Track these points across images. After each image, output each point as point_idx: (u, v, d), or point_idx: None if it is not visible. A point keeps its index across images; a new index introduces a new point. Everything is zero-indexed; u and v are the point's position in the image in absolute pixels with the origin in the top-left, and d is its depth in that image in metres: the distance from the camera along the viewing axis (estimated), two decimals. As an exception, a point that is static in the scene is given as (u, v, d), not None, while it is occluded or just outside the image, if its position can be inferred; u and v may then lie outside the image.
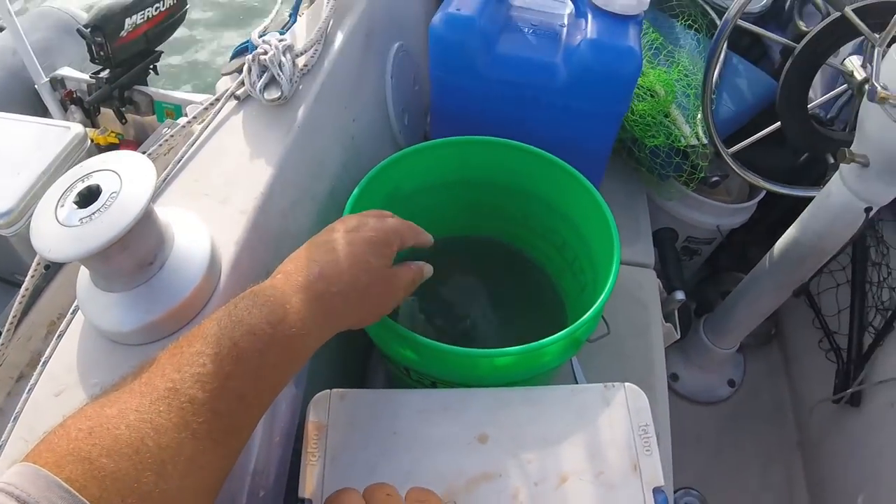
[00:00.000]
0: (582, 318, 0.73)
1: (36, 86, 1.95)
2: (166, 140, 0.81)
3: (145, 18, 1.89)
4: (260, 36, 0.89)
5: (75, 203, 0.55)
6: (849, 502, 1.56)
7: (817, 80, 1.67)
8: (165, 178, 0.75)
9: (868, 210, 1.13)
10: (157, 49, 2.05)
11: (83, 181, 0.57)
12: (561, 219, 0.94)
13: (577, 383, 0.98)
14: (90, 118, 2.01)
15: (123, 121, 2.01)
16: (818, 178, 1.51)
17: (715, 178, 1.47)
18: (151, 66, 2.07)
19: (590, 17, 1.02)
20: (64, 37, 2.15)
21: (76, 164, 1.23)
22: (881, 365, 1.54)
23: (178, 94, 2.05)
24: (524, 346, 0.69)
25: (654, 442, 0.69)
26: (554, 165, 0.90)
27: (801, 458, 1.84)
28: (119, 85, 1.94)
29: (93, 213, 0.54)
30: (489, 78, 1.01)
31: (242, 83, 0.84)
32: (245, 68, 0.84)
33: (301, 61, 0.88)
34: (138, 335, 0.60)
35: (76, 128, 1.41)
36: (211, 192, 0.73)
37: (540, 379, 0.79)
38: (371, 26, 1.07)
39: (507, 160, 0.93)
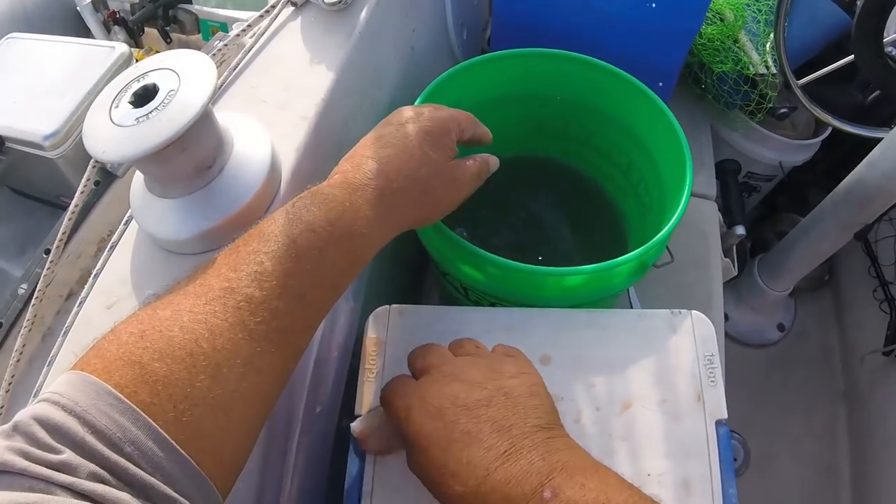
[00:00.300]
0: (653, 240, 0.69)
1: (78, 7, 1.88)
2: (219, 50, 0.78)
3: None
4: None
5: (131, 103, 0.53)
6: (891, 455, 1.55)
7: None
8: (221, 86, 0.73)
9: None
10: None
11: (139, 81, 0.54)
12: (629, 138, 0.90)
13: (630, 306, 0.97)
14: (134, 38, 1.96)
15: (168, 40, 1.97)
16: (888, 118, 1.45)
17: (783, 110, 1.41)
18: None
19: None
20: (114, -48, 2.10)
21: None
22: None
23: (224, 12, 2.01)
24: (595, 265, 0.67)
25: (720, 373, 0.67)
26: (624, 81, 0.85)
27: (845, 408, 1.82)
28: (163, 3, 1.87)
29: (150, 112, 0.51)
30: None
31: (300, -12, 0.81)
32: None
33: (362, -33, 0.84)
34: (196, 243, 0.58)
35: (121, 47, 1.36)
36: (269, 99, 0.70)
37: (600, 305, 0.77)
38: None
39: (573, 74, 0.89)
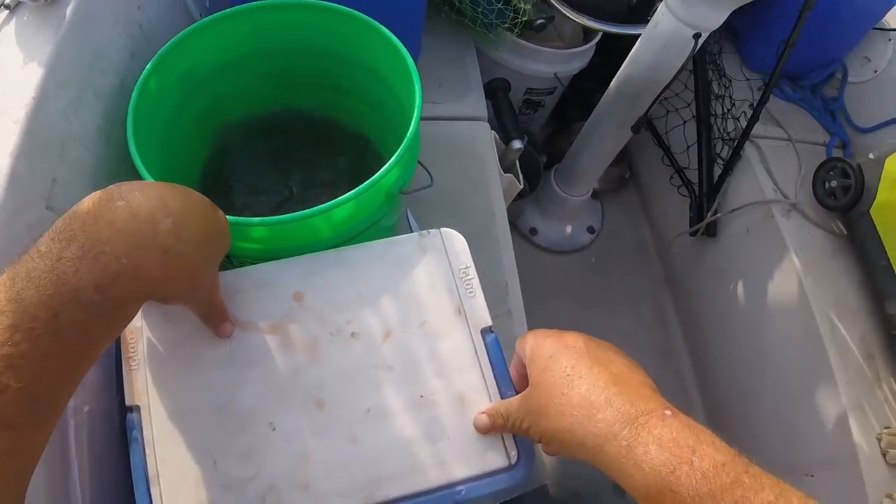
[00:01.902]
0: (385, 167, 0.72)
1: None
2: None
3: None
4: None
5: None
6: (718, 326, 1.70)
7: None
8: (-64, 101, 0.71)
9: (697, 36, 1.16)
10: None
11: None
12: (371, 76, 0.92)
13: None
14: None
15: None
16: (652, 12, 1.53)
17: (539, 21, 1.46)
18: None
19: None
20: None
21: None
22: (733, 194, 1.65)
23: None
24: (322, 205, 0.68)
25: (477, 283, 0.72)
26: (349, 17, 0.86)
27: (669, 293, 1.97)
28: None
29: None
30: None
31: (8, -9, 0.80)
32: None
33: (66, -45, 0.83)
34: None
35: None
36: None
37: (352, 235, 0.79)
38: None
39: (305, 22, 0.89)
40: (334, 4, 0.87)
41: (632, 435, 0.48)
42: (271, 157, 1.03)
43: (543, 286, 1.84)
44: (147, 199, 0.48)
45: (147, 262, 0.47)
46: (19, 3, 0.80)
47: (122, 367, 0.64)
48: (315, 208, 0.68)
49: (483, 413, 0.64)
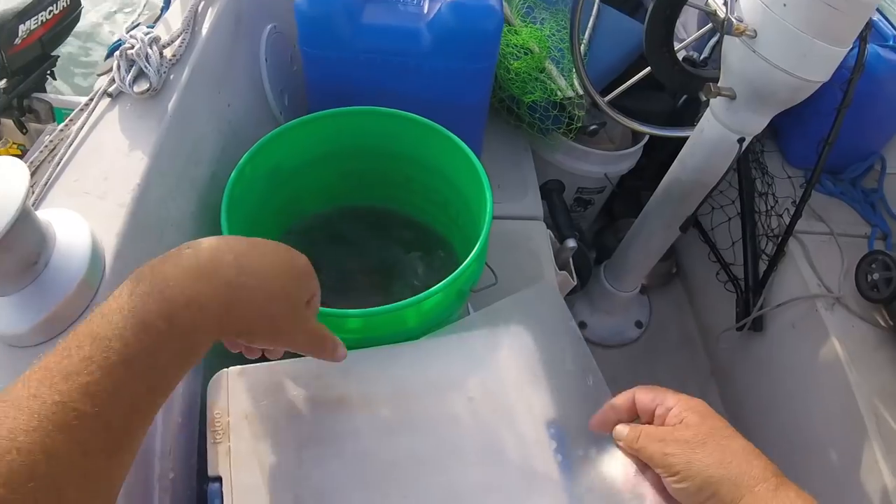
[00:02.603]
0: (458, 269, 0.77)
1: None
2: (46, 146, 0.84)
3: (39, 23, 1.82)
4: (128, 30, 0.92)
5: None
6: (763, 417, 1.69)
7: (692, 21, 1.77)
8: (47, 182, 0.78)
9: (741, 141, 1.21)
10: (53, 54, 1.98)
11: None
12: (438, 177, 1.00)
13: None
14: None
15: (24, 131, 1.95)
16: (697, 118, 1.58)
17: (592, 127, 1.55)
18: (49, 72, 2.01)
19: None
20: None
21: None
22: (777, 289, 1.65)
23: (79, 99, 2.01)
24: (413, 298, 0.74)
25: (541, 375, 0.75)
26: (420, 125, 0.94)
27: (715, 385, 1.95)
28: (17, 94, 1.87)
29: None
30: (356, 49, 1.06)
31: (114, 80, 0.87)
32: (115, 65, 0.87)
33: (169, 52, 0.91)
34: (33, 335, 0.64)
35: None
36: (91, 189, 0.76)
37: (431, 327, 0.82)
38: (240, 10, 1.10)
39: (380, 127, 0.98)
40: (408, 113, 0.95)
41: (779, 482, 0.58)
42: (344, 247, 1.08)
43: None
44: (210, 242, 0.53)
45: (210, 293, 0.50)
46: (121, 92, 0.87)
47: (207, 437, 0.67)
48: (407, 300, 0.73)
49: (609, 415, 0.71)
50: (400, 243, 1.10)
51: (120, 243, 0.71)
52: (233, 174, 0.85)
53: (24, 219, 0.60)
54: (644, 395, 0.68)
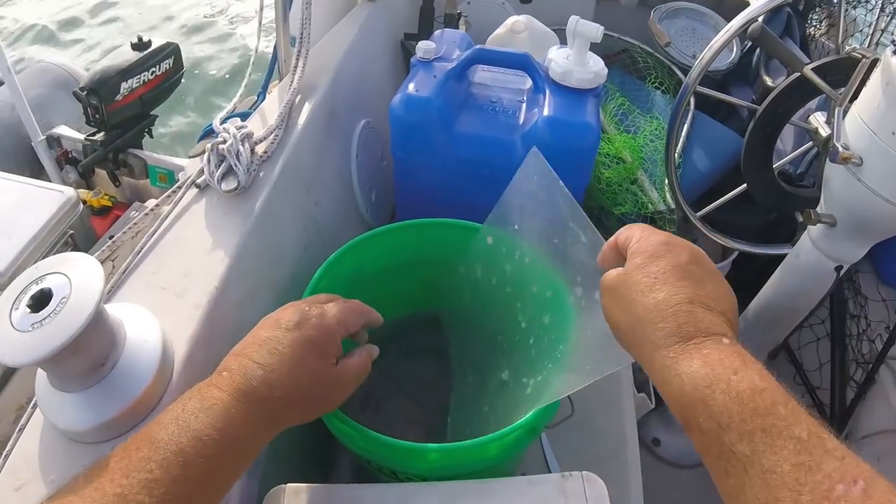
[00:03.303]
0: (526, 416, 0.73)
1: (32, 143, 1.99)
2: (133, 224, 0.83)
3: (141, 82, 1.93)
4: (222, 122, 0.92)
5: (28, 307, 0.58)
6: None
7: (788, 133, 1.72)
8: (126, 269, 0.78)
9: (838, 269, 1.15)
10: (152, 113, 2.09)
11: (37, 283, 0.59)
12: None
13: (545, 459, 1.00)
14: (85, 179, 2.05)
15: (117, 183, 2.04)
16: (792, 234, 1.52)
17: None
18: (146, 130, 2.11)
19: (548, 92, 1.05)
20: (62, 94, 2.18)
21: (68, 227, 1.35)
22: (865, 419, 1.55)
23: (172, 160, 2.08)
24: (469, 441, 0.70)
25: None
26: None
27: (793, 510, 1.82)
28: (113, 148, 1.98)
29: (44, 319, 0.56)
30: (448, 157, 1.05)
31: (203, 171, 0.87)
32: (205, 157, 0.87)
33: (261, 148, 0.91)
34: (93, 434, 0.62)
35: (69, 192, 1.46)
36: (168, 286, 0.75)
37: (506, 460, 0.80)
38: (334, 106, 1.10)
39: (462, 239, 0.95)
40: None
41: (682, 349, 0.51)
42: (419, 351, 1.07)
43: (657, 500, 1.75)
44: (241, 364, 0.61)
45: (253, 411, 0.58)
46: (209, 185, 0.87)
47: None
48: (493, 434, 0.70)
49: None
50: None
51: (191, 349, 0.69)
52: (312, 282, 0.83)
53: (96, 322, 0.59)
54: (621, 234, 0.65)
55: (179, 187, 0.88)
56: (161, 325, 0.68)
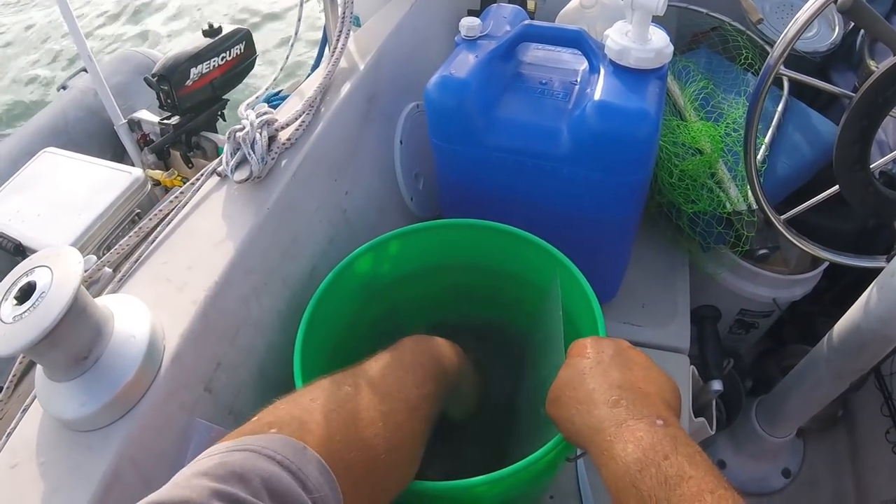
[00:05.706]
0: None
1: (115, 126, 2.17)
2: (159, 210, 0.84)
3: (211, 67, 2.03)
4: (249, 106, 0.92)
5: (16, 299, 0.60)
6: None
7: (892, 127, 1.59)
8: (138, 259, 0.79)
9: (943, 293, 1.04)
10: (224, 97, 2.19)
11: (27, 276, 0.62)
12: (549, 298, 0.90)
13: (579, 490, 0.98)
14: (163, 160, 2.19)
15: (190, 165, 2.16)
16: (890, 246, 1.37)
17: (762, 251, 1.40)
18: (219, 113, 2.22)
19: (603, 72, 0.98)
20: (143, 80, 2.32)
21: (136, 206, 1.53)
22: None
23: None
24: (538, 452, 0.68)
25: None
26: (534, 245, 0.88)
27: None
28: (185, 131, 2.10)
29: (24, 312, 0.58)
30: (487, 145, 1.00)
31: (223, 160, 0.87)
32: (226, 144, 0.87)
33: (284, 135, 0.90)
34: (78, 423, 0.64)
35: (136, 172, 1.65)
36: (173, 277, 0.75)
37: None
38: (376, 89, 1.09)
39: (489, 242, 0.92)
40: (519, 231, 0.90)
41: (617, 433, 0.55)
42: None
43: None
44: None
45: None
46: (226, 176, 0.87)
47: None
48: (536, 454, 0.69)
49: None
50: (512, 365, 1.03)
51: (181, 345, 0.69)
52: (320, 288, 0.83)
53: (74, 318, 0.60)
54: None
55: (202, 175, 0.89)
56: (153, 320, 0.69)
